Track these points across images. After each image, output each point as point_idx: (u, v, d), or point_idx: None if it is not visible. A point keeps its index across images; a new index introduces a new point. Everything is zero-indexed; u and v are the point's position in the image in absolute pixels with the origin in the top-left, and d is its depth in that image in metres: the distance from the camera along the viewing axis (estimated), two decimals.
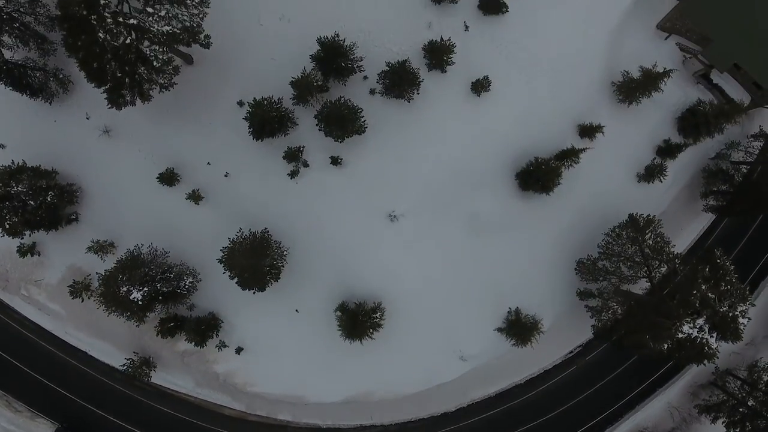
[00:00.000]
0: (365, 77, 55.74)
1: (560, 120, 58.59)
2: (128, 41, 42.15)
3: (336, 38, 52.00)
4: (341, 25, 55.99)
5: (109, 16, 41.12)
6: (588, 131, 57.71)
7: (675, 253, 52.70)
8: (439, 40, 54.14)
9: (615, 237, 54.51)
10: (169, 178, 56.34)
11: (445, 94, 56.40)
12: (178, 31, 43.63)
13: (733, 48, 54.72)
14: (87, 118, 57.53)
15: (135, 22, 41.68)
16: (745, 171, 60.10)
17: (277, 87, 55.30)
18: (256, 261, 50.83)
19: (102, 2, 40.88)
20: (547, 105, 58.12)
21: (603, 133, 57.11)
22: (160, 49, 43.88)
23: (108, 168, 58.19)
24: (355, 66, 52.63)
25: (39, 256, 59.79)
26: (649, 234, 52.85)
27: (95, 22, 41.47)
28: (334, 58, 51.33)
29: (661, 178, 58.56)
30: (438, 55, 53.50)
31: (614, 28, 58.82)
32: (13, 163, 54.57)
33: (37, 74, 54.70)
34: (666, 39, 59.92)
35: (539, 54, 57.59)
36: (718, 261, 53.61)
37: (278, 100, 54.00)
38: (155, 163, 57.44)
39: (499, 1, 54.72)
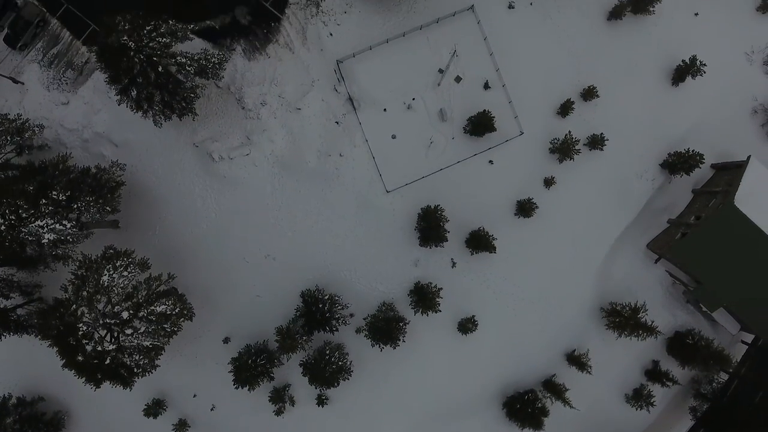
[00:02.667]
0: (351, 315, 55.39)
1: (548, 349, 58.31)
2: (108, 361, 41.96)
3: (319, 293, 51.84)
4: (327, 265, 56.02)
5: (88, 343, 40.94)
6: (576, 361, 57.40)
7: None
8: (426, 284, 53.80)
9: None
10: (155, 410, 56.43)
11: (432, 333, 56.14)
12: (159, 343, 43.42)
13: (722, 292, 54.16)
14: None
15: (115, 347, 41.44)
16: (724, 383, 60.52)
17: (263, 324, 55.57)
18: None
19: (80, 333, 40.71)
20: (535, 336, 57.82)
21: (590, 370, 56.60)
22: (141, 357, 43.62)
23: (95, 394, 57.94)
24: (340, 322, 52.22)
25: None
26: None
27: (74, 344, 41.43)
28: (319, 321, 50.99)
29: (649, 408, 58.23)
30: (424, 302, 53.02)
31: (606, 255, 58.30)
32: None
33: (22, 313, 54.52)
34: (656, 262, 59.31)
35: (528, 288, 57.26)
36: None
37: (263, 343, 54.08)
38: (142, 390, 57.37)
39: (487, 243, 54.07)
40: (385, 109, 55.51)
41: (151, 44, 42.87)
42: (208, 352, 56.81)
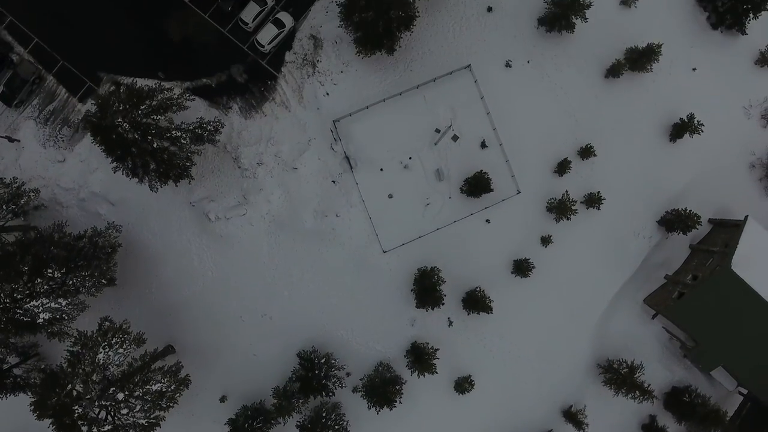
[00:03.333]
0: (348, 374, 55.40)
1: (545, 405, 58.25)
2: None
3: (315, 355, 51.92)
4: (323, 324, 56.04)
5: (84, 424, 40.98)
6: (573, 418, 57.40)
7: None
8: (423, 344, 53.81)
9: None
10: None
11: (429, 393, 56.02)
12: (154, 420, 43.44)
13: (719, 353, 54.19)
14: None
15: (111, 426, 41.44)
16: None
17: (260, 382, 55.53)
18: None
19: (76, 415, 40.73)
20: (532, 393, 57.79)
21: (587, 429, 56.60)
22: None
23: None
24: (336, 384, 52.22)
25: None
26: None
27: (70, 424, 41.44)
28: (315, 388, 51.00)
29: None
30: (421, 363, 52.97)
31: (603, 312, 58.25)
32: None
33: (19, 372, 54.53)
34: (653, 318, 59.27)
35: (525, 346, 57.20)
36: None
37: (260, 403, 54.06)
38: None
39: (484, 305, 54.01)
40: (381, 169, 55.40)
41: (145, 120, 42.74)
42: (204, 410, 56.75)
